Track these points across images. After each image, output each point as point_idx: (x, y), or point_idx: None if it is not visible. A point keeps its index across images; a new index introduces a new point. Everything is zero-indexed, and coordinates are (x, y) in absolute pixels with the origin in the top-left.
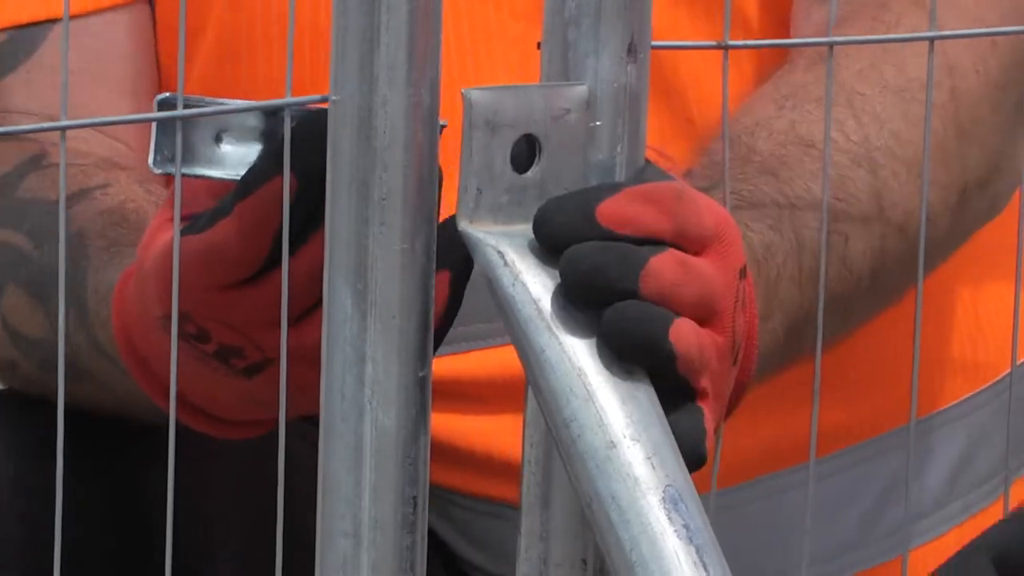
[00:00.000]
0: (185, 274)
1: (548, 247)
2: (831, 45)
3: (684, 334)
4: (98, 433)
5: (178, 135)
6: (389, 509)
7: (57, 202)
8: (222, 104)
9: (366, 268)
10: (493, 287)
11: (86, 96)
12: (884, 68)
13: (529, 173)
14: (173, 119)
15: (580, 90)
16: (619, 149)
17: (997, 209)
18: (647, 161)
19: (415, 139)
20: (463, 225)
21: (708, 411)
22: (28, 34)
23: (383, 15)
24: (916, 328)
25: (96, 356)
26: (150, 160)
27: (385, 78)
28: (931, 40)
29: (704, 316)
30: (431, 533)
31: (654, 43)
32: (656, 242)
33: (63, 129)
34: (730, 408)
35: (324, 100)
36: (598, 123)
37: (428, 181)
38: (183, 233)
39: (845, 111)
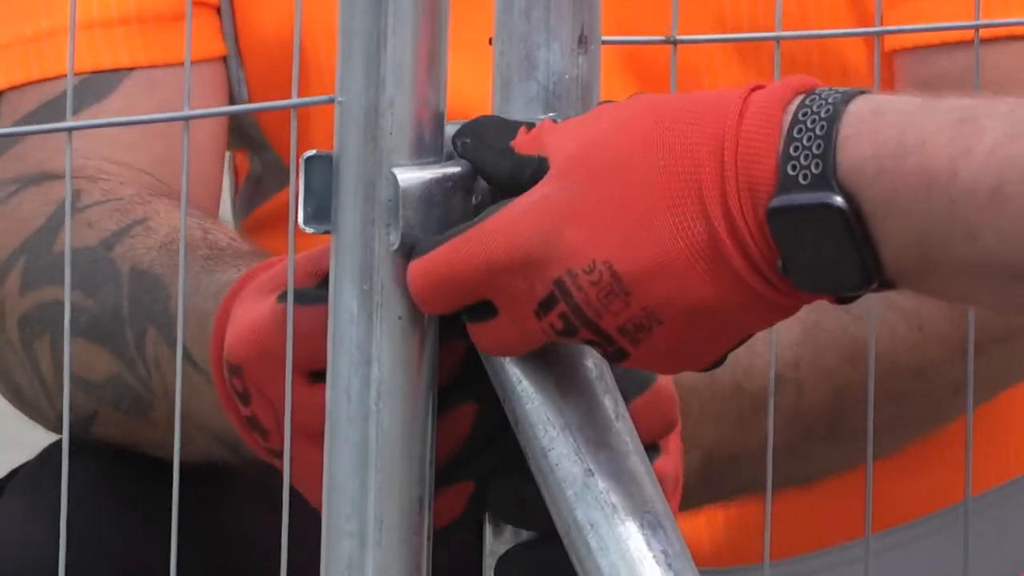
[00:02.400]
0: (270, 337)
1: None
2: (777, 40)
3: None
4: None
5: (185, 135)
6: (395, 510)
7: (99, 246)
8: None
9: (372, 269)
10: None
11: (161, 147)
12: None
13: None
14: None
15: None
16: None
17: None
18: None
19: (421, 139)
20: None
21: None
22: (103, 80)
23: (390, 17)
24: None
25: (174, 366)
26: (300, 218)
27: (392, 79)
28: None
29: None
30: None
31: (605, 38)
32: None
33: (68, 130)
34: None
35: (330, 101)
36: (552, 115)
37: None
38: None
39: None
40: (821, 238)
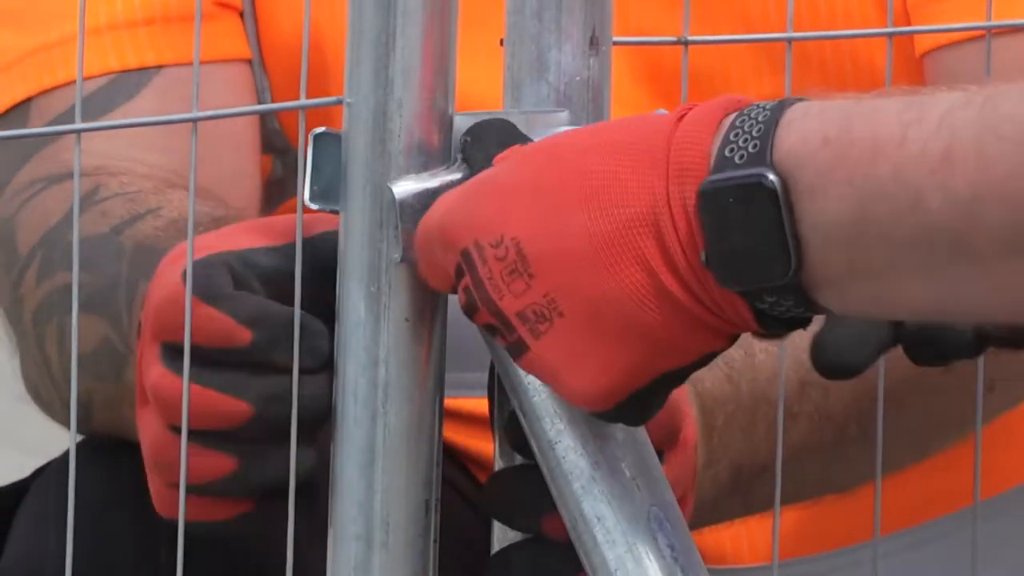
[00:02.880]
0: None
1: None
2: (789, 40)
3: None
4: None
5: (193, 137)
6: (401, 512)
7: (110, 232)
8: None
9: (379, 271)
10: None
11: (183, 142)
12: None
13: None
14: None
15: (561, 116)
16: None
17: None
18: None
19: (430, 142)
20: None
21: None
22: (132, 79)
23: (399, 19)
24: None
25: None
26: (306, 195)
27: (400, 81)
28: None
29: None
30: None
31: (616, 39)
32: None
33: (78, 132)
34: None
35: (339, 102)
36: (562, 115)
37: None
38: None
39: None
40: (748, 219)
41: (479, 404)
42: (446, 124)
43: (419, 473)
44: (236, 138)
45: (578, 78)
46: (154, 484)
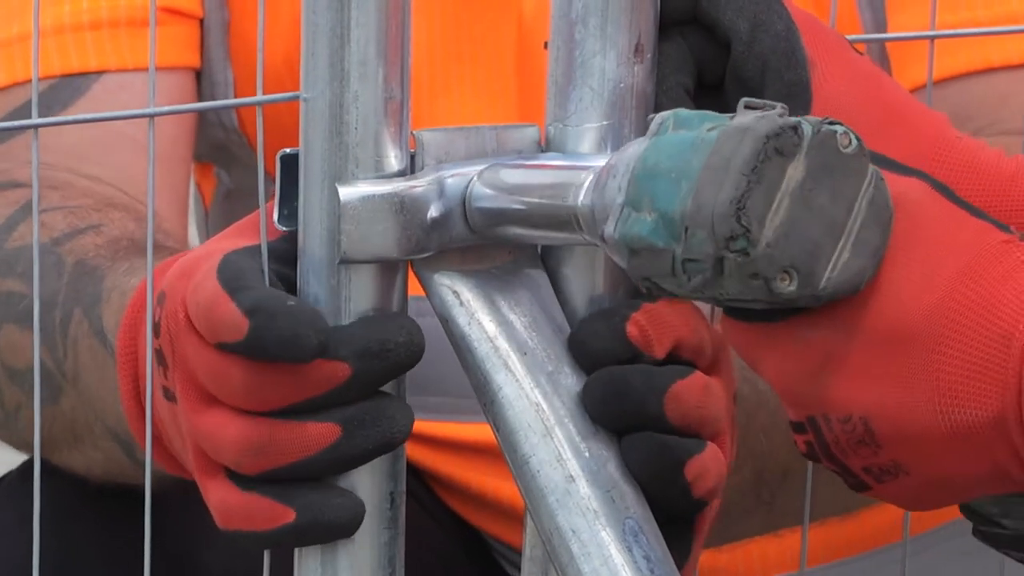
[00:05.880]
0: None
1: (586, 368)
2: None
3: (699, 469)
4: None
5: (150, 130)
6: (367, 505)
7: (50, 243)
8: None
9: (338, 266)
10: (449, 326)
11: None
12: None
13: None
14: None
15: (531, 131)
16: None
17: None
18: None
19: (386, 134)
20: (418, 266)
21: (701, 537)
22: (71, 84)
23: (352, 11)
24: None
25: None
26: (275, 216)
27: (356, 74)
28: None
29: (712, 435)
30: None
31: None
32: (680, 359)
33: (35, 127)
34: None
35: (296, 98)
36: (605, 123)
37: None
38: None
39: None
40: None
41: (441, 428)
42: (403, 116)
43: (384, 465)
44: (166, 149)
45: (622, 85)
46: (223, 490)
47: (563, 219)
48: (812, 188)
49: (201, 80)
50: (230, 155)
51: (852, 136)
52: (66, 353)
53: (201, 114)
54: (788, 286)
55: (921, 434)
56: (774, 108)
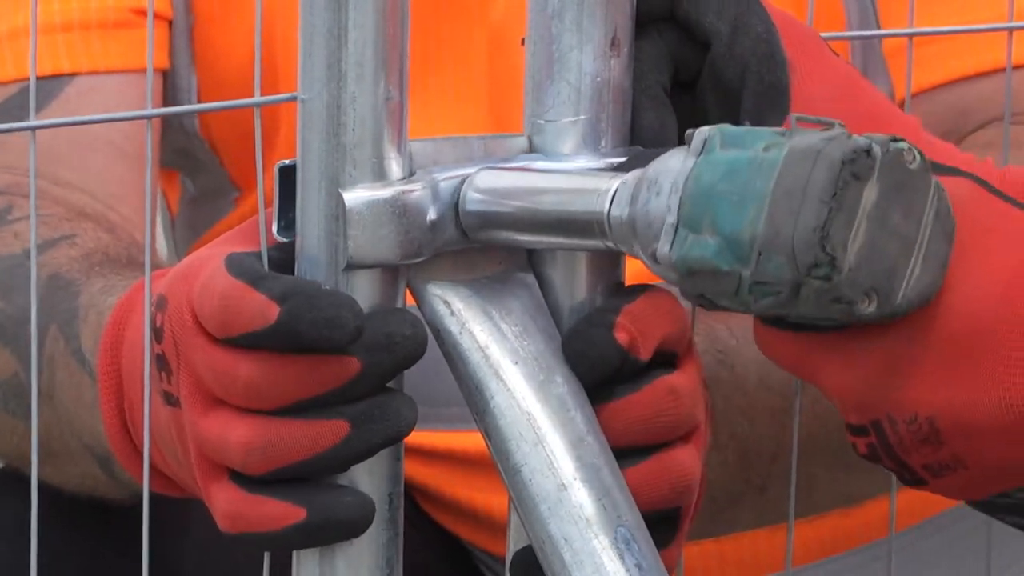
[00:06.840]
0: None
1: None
2: None
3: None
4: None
5: (148, 133)
6: None
7: (22, 254)
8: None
9: (337, 265)
10: (441, 336)
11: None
12: None
13: None
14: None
15: (520, 141)
16: (603, 144)
17: None
18: None
19: (384, 135)
20: (410, 276)
21: (683, 531)
22: (44, 87)
23: (350, 12)
24: None
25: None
26: (274, 227)
27: (353, 75)
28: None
29: (690, 430)
30: None
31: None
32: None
33: (33, 129)
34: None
35: (293, 99)
36: (583, 117)
37: None
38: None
39: None
40: None
41: (427, 437)
42: (401, 118)
43: (383, 466)
44: (133, 151)
45: (599, 79)
46: (228, 493)
47: (579, 225)
48: (886, 208)
49: (165, 83)
50: (194, 160)
51: (916, 152)
52: (41, 370)
53: (165, 119)
54: (868, 307)
55: (984, 428)
56: (832, 126)
